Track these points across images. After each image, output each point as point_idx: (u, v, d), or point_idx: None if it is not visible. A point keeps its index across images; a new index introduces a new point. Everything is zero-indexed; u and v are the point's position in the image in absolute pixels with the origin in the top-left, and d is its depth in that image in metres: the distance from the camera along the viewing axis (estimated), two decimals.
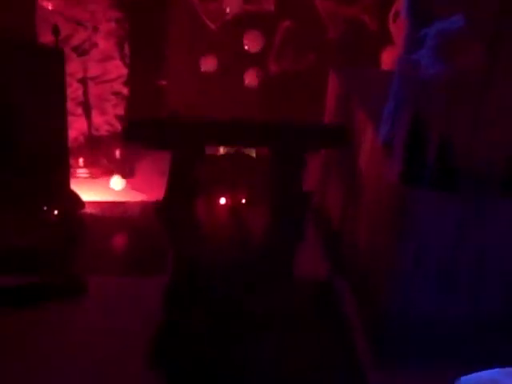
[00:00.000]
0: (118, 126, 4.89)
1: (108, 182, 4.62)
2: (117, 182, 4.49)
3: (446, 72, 2.66)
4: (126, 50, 4.81)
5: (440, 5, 2.75)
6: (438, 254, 2.93)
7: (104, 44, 4.69)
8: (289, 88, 5.46)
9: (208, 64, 5.23)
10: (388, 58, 5.20)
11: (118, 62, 4.79)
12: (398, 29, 5.14)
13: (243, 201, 2.68)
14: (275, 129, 2.77)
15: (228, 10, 5.23)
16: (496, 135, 2.84)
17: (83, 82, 4.73)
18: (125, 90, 4.88)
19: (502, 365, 1.35)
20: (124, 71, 4.83)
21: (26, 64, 3.50)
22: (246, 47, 5.27)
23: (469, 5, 2.62)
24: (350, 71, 4.43)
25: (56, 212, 3.73)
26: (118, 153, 4.87)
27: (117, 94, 4.85)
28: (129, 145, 2.64)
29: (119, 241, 3.95)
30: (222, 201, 2.67)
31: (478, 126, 2.85)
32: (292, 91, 5.42)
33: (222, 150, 3.58)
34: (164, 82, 5.28)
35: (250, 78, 5.31)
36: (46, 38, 4.45)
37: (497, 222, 2.93)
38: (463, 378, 1.29)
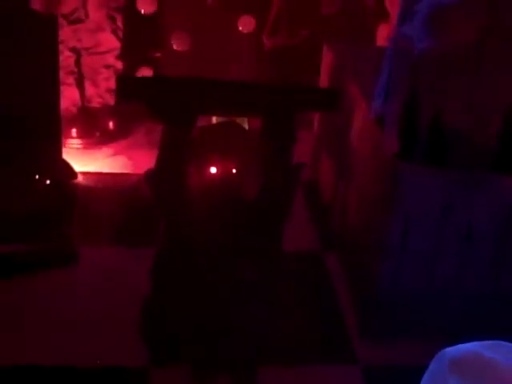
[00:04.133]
0: (110, 100, 4.87)
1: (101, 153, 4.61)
2: None
3: (437, 46, 2.66)
4: (119, 22, 4.77)
5: None
6: (426, 228, 2.94)
7: (95, 15, 4.64)
8: (282, 63, 5.44)
9: None
10: (384, 35, 5.18)
11: (109, 35, 4.74)
12: (394, 5, 5.12)
13: (234, 170, 2.68)
14: (268, 89, 2.75)
15: None
16: (487, 111, 2.85)
17: (75, 51, 4.68)
18: (118, 64, 4.84)
19: (487, 338, 1.36)
20: (116, 45, 4.78)
21: (18, 30, 3.46)
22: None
23: None
24: (344, 47, 4.42)
25: (48, 181, 3.72)
26: (111, 124, 4.86)
27: (109, 67, 4.81)
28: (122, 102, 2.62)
29: (110, 211, 3.95)
30: (213, 170, 2.67)
31: (470, 101, 2.85)
32: (286, 66, 5.40)
33: (214, 119, 3.57)
34: (158, 54, 5.25)
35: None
36: (37, 4, 4.41)
37: (484, 196, 2.94)
38: (445, 350, 1.29)
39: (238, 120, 3.29)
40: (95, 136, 4.78)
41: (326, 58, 4.46)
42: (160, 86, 2.67)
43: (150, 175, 2.75)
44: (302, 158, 3.26)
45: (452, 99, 2.85)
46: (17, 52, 3.46)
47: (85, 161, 4.48)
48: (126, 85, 2.65)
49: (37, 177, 3.65)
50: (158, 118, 2.67)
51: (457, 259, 3.02)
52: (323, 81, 4.46)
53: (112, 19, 4.69)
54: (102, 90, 4.84)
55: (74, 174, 4.03)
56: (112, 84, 4.84)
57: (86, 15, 4.60)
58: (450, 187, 2.89)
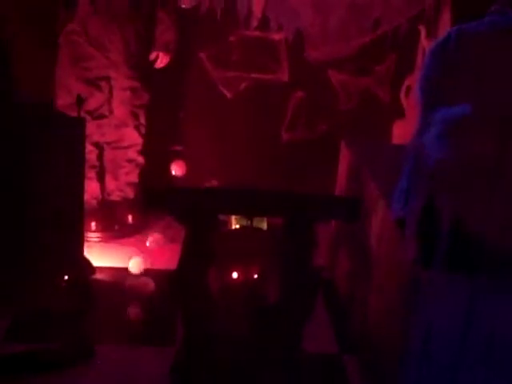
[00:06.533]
0: (130, 193, 4.93)
1: (120, 247, 4.64)
2: (135, 264, 4.32)
3: (454, 158, 2.69)
4: (142, 118, 4.88)
5: (452, 89, 2.79)
6: (448, 335, 2.90)
7: (119, 111, 4.75)
8: (300, 158, 5.53)
9: None
10: (399, 131, 5.28)
11: (132, 131, 4.84)
12: (410, 103, 5.24)
13: (255, 276, 2.70)
14: (288, 198, 2.81)
15: None
16: (509, 219, 2.85)
17: (98, 145, 4.78)
18: (140, 159, 4.93)
19: None
20: (139, 140, 4.88)
21: (46, 131, 3.57)
22: None
23: (478, 91, 2.66)
24: (361, 143, 4.49)
25: (66, 277, 3.74)
26: (130, 218, 4.91)
27: (131, 161, 4.90)
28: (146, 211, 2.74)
29: (129, 309, 3.93)
30: (235, 275, 2.70)
31: (491, 210, 2.86)
32: (303, 162, 5.49)
33: (233, 224, 3.61)
34: (179, 148, 5.36)
35: None
36: (62, 100, 4.54)
37: (509, 303, 2.91)
38: None
39: (257, 219, 3.33)
40: (114, 229, 4.81)
41: (344, 153, 4.53)
42: (183, 197, 2.73)
43: (173, 277, 2.77)
44: (320, 254, 3.28)
45: (472, 206, 2.86)
46: (44, 152, 3.55)
47: (103, 255, 4.49)
48: (151, 196, 2.72)
49: (56, 274, 3.67)
50: (181, 222, 2.72)
51: (480, 368, 2.96)
52: (340, 177, 4.51)
53: (135, 116, 4.81)
54: (122, 184, 4.91)
55: (92, 269, 4.05)
56: (132, 177, 4.93)
57: (110, 111, 4.71)
58: (473, 294, 2.86)
